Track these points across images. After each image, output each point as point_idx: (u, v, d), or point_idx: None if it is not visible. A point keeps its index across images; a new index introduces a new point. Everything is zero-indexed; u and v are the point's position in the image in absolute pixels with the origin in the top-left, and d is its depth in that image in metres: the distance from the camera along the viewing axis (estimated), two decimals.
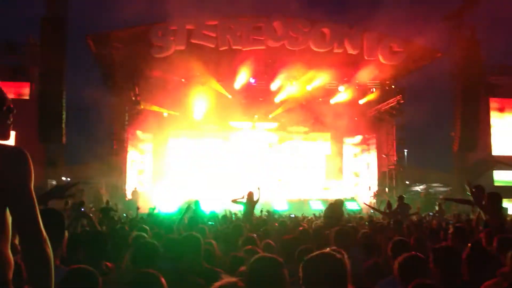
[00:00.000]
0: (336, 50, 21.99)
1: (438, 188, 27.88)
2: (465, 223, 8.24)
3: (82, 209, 7.70)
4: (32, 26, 21.03)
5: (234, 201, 12.23)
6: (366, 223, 9.85)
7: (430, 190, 27.21)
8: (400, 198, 12.20)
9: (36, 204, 2.07)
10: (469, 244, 4.19)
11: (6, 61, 21.80)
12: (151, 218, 10.94)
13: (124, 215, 14.19)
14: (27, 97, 21.49)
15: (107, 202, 14.59)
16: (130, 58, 21.98)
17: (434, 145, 32.77)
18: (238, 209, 13.43)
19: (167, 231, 6.84)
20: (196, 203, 14.55)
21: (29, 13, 22.94)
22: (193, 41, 21.27)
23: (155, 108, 24.85)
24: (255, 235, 5.84)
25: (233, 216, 13.02)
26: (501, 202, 5.93)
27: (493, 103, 27.99)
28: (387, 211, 12.11)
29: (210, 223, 10.00)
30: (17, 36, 21.62)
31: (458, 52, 23.03)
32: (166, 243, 4.74)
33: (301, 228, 7.16)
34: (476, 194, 5.99)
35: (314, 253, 2.57)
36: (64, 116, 20.03)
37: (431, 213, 17.42)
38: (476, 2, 22.84)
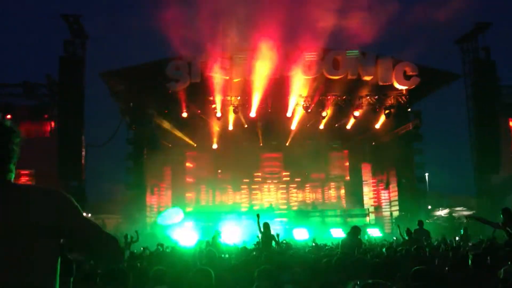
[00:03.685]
0: (350, 77, 22.03)
1: (462, 212, 27.27)
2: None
3: None
4: (50, 66, 21.55)
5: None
6: (384, 249, 9.59)
7: (453, 214, 26.62)
8: (420, 223, 11.92)
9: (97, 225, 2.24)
10: None
11: (27, 101, 22.31)
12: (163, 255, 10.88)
13: (142, 248, 14.12)
14: (47, 136, 21.83)
15: (126, 237, 14.55)
16: (147, 93, 22.34)
17: (456, 169, 32.29)
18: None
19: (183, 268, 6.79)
20: (216, 235, 14.47)
21: (48, 53, 23.51)
22: (207, 74, 21.54)
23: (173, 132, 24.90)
24: (270, 267, 5.74)
25: (252, 247, 12.89)
26: None
27: None
28: (406, 238, 11.83)
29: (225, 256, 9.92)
30: (36, 76, 22.04)
31: (473, 74, 22.91)
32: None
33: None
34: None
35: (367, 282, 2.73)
36: (83, 153, 20.34)
37: (457, 238, 16.88)
38: (489, 24, 22.79)
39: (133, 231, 15.37)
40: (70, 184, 21.44)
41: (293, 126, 24.91)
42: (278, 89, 22.80)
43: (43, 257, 2.04)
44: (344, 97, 23.22)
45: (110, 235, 2.25)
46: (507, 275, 3.80)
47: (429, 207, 26.87)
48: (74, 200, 2.19)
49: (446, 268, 5.74)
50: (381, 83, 22.33)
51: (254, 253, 11.03)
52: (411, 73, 22.19)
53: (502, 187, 23.80)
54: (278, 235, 11.63)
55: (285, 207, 27.58)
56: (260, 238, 11.64)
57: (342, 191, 29.05)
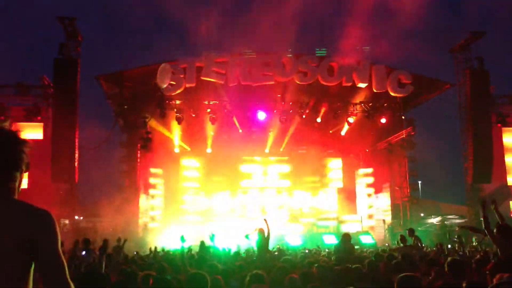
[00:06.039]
0: (345, 84, 22.09)
1: (454, 220, 27.35)
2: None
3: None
4: (45, 68, 21.51)
5: (246, 236, 12.17)
6: (373, 257, 9.57)
7: (445, 222, 26.69)
8: (410, 231, 11.94)
9: (65, 265, 2.11)
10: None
11: (20, 102, 22.24)
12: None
13: (135, 252, 14.11)
14: (40, 138, 21.72)
15: (119, 239, 14.53)
16: (141, 96, 22.33)
17: (448, 177, 32.42)
18: (251, 245, 13.32)
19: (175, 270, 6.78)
20: (211, 237, 14.43)
21: (42, 55, 23.55)
22: (203, 78, 21.53)
23: (167, 135, 24.91)
24: (262, 272, 5.74)
25: (244, 252, 12.88)
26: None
27: (506, 132, 27.44)
28: (401, 245, 11.90)
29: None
30: (30, 78, 21.99)
31: (467, 83, 23.01)
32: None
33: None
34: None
35: None
36: (76, 155, 20.24)
37: (449, 246, 16.89)
38: (483, 34, 22.93)
39: (126, 234, 15.30)
40: (63, 187, 21.37)
41: (288, 132, 25.02)
42: (273, 94, 22.88)
43: (16, 274, 2.00)
44: (338, 103, 23.31)
45: (68, 281, 2.10)
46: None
47: (422, 214, 26.95)
48: (56, 226, 2.12)
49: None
50: (375, 91, 22.41)
51: (244, 255, 11.02)
52: (405, 81, 22.28)
53: (493, 196, 23.82)
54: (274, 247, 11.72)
55: (278, 212, 27.55)
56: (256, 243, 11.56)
57: (336, 198, 29.07)
